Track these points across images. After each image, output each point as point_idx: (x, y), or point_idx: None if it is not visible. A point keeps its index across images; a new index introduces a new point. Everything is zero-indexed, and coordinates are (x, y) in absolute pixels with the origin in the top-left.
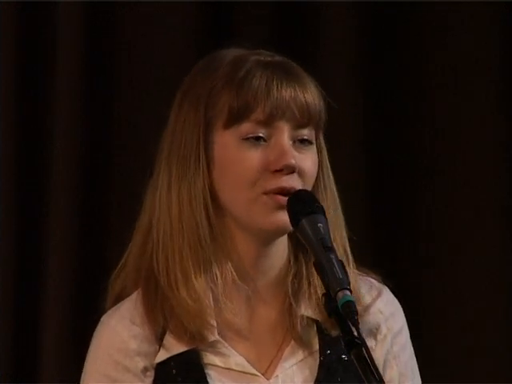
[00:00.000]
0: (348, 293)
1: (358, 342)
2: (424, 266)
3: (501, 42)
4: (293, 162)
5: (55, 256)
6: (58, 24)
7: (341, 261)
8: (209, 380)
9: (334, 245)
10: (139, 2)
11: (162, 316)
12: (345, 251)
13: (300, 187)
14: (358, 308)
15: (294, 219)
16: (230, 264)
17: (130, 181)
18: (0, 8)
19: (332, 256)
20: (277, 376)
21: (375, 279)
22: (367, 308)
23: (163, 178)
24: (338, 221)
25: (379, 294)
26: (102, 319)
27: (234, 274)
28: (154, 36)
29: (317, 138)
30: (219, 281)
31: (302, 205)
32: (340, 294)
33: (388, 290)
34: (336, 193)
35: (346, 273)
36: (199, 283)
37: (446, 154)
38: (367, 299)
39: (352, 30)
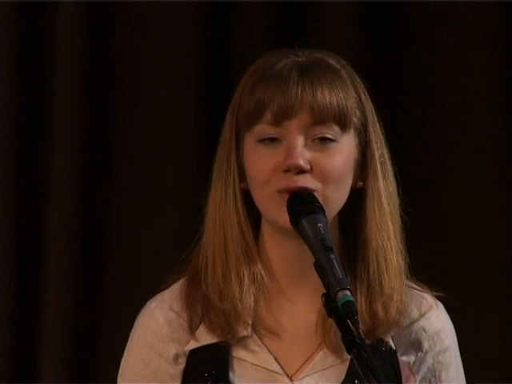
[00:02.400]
0: (348, 293)
1: (359, 342)
2: (424, 266)
3: (501, 42)
4: (299, 162)
5: (55, 256)
6: (57, 24)
7: (341, 261)
8: (230, 373)
9: (388, 248)
10: (139, 2)
11: (200, 309)
12: (394, 256)
13: (313, 186)
14: (403, 320)
15: (294, 219)
16: (265, 264)
17: (130, 181)
18: (0, 8)
19: (332, 256)
20: (302, 378)
21: (430, 295)
22: (412, 323)
23: (212, 182)
24: (384, 223)
25: (428, 311)
26: (147, 303)
27: (270, 273)
28: (154, 36)
29: (360, 135)
30: (256, 280)
31: (303, 205)
32: (340, 294)
33: (440, 307)
34: (390, 194)
35: (345, 273)
36: (233, 283)
37: (446, 154)
38: (415, 314)
39: (352, 30)
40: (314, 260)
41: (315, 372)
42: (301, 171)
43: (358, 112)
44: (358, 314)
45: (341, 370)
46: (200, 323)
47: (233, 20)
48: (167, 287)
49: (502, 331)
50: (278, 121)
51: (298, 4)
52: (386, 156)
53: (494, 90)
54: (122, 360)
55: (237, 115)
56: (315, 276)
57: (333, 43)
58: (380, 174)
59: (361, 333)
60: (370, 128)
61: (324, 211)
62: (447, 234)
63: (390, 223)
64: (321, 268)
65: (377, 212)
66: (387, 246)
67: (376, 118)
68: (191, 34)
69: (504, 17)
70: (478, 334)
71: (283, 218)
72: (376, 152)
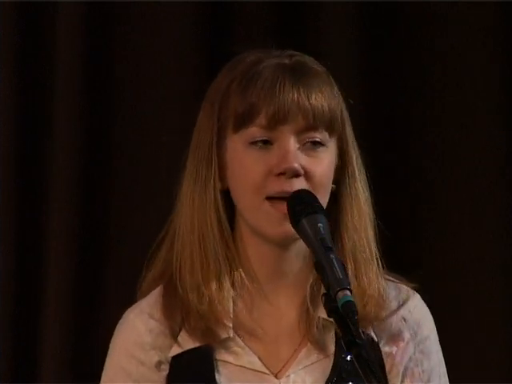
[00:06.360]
0: (348, 293)
1: (359, 342)
2: (424, 266)
3: (501, 42)
4: (295, 165)
5: (55, 256)
6: (57, 24)
7: (341, 261)
8: (217, 376)
9: (365, 248)
10: (139, 2)
11: (179, 315)
12: (372, 255)
13: None
14: (383, 313)
15: (294, 219)
16: (244, 266)
17: (130, 181)
18: (0, 8)
19: (332, 256)
20: (288, 376)
21: (405, 285)
22: (391, 314)
23: (184, 183)
24: (362, 224)
25: (406, 301)
26: (124, 314)
27: (250, 275)
28: (154, 36)
29: (340, 140)
30: (235, 283)
31: (303, 205)
32: (340, 294)
33: (417, 296)
34: (366, 196)
35: (346, 273)
36: (212, 286)
37: (446, 154)
38: (393, 305)
39: (352, 30)
40: (292, 260)
41: (301, 368)
42: (295, 175)
43: (339, 117)
44: (358, 314)
45: (326, 365)
46: (180, 329)
47: (233, 20)
48: (142, 296)
49: (502, 331)
50: (272, 125)
51: (297, 4)
52: (360, 160)
53: (494, 90)
54: (103, 373)
55: (219, 115)
56: (293, 275)
57: (333, 43)
58: (358, 178)
59: (361, 333)
60: (348, 132)
61: (324, 211)
62: (447, 234)
63: (367, 223)
64: (321, 268)
65: (355, 213)
66: (371, 246)
67: (350, 122)
68: (191, 33)
69: (504, 17)
70: (478, 333)
71: (271, 230)
72: (353, 156)
